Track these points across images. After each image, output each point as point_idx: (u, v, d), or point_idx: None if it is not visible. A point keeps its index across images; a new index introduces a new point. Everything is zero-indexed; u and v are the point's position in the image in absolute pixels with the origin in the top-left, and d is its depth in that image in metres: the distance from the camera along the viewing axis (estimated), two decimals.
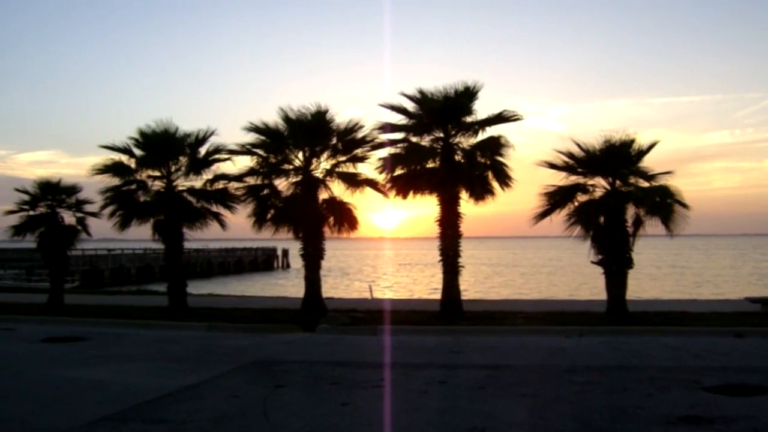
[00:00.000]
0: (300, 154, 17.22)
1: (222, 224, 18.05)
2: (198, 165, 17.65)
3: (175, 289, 17.65)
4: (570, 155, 15.79)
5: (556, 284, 47.86)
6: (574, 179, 15.98)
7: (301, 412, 7.58)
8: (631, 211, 15.39)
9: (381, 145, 17.08)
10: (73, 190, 19.05)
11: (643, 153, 15.57)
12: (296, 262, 33.49)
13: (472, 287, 40.42)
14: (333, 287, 42.06)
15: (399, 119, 16.51)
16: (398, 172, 16.46)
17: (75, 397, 8.28)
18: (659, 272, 58.23)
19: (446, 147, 16.19)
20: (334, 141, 17.08)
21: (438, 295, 16.75)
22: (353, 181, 17.18)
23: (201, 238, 19.14)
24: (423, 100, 15.98)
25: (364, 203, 17.63)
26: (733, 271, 61.06)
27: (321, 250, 17.25)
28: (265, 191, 17.31)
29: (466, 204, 16.29)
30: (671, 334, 13.30)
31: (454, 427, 6.91)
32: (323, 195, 17.29)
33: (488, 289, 42.15)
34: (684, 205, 15.19)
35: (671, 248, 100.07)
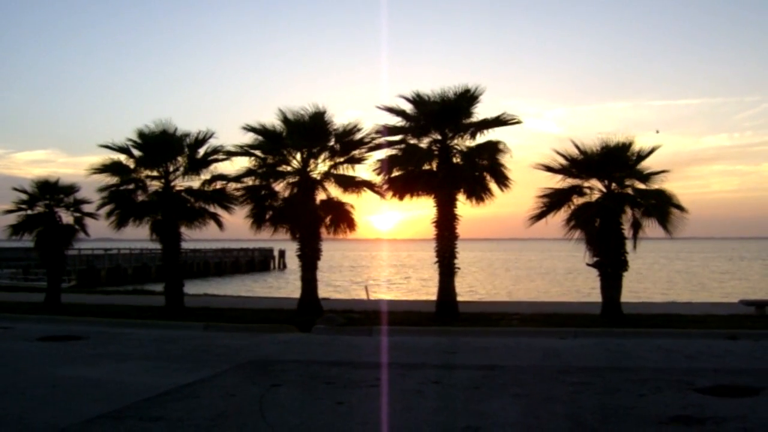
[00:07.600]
0: (298, 156, 17.28)
1: (220, 224, 18.08)
2: (196, 165, 17.69)
3: (172, 289, 17.67)
4: (566, 158, 15.86)
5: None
6: (570, 181, 16.04)
7: (296, 410, 7.65)
8: (627, 214, 15.47)
9: (378, 147, 17.15)
10: (71, 189, 19.09)
11: (642, 157, 15.57)
12: (293, 263, 33.46)
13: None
14: (330, 287, 42.06)
15: (397, 121, 16.60)
16: (395, 173, 16.52)
17: (72, 395, 8.34)
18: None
19: (444, 149, 16.26)
20: (332, 142, 17.15)
21: (433, 296, 16.81)
22: (351, 183, 17.24)
23: (204, 238, 19.07)
24: (420, 102, 16.06)
25: (361, 204, 17.72)
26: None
27: (318, 251, 17.32)
28: (263, 192, 17.37)
29: (462, 206, 16.40)
30: (665, 336, 13.37)
31: (448, 426, 6.99)
32: (321, 196, 17.36)
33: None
34: (681, 208, 15.25)
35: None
